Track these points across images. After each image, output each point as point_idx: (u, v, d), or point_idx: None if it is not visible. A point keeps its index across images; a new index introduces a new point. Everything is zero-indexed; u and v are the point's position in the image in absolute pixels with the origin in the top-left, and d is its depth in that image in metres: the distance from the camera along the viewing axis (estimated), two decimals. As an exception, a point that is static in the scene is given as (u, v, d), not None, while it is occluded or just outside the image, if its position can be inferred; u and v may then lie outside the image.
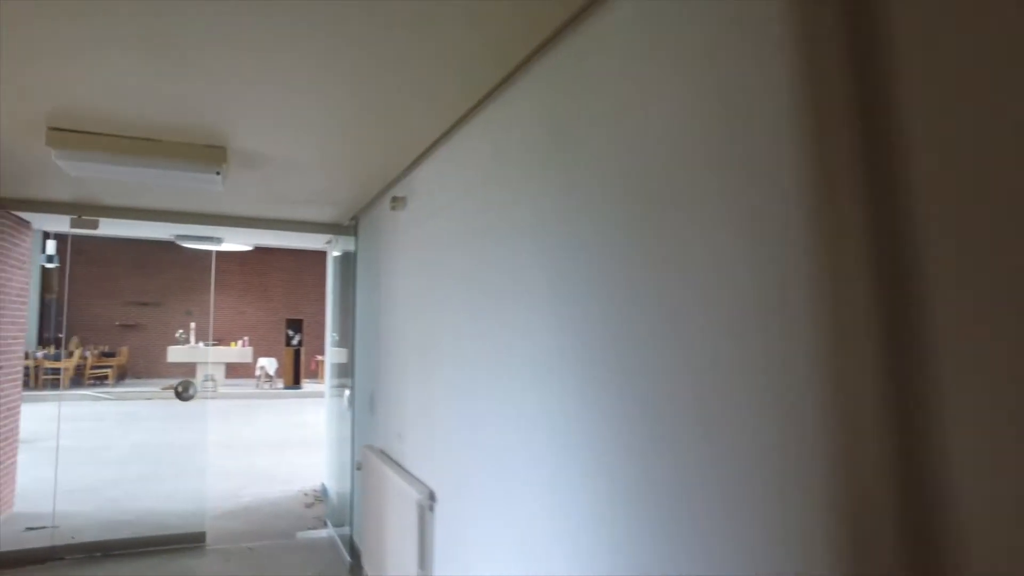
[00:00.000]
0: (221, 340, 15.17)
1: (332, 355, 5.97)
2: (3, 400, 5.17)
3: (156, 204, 4.32)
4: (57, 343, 14.00)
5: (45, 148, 2.96)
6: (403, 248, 3.37)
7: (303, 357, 14.20)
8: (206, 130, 2.71)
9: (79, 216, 4.41)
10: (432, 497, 2.72)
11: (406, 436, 3.17)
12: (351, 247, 4.81)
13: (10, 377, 5.23)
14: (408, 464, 3.11)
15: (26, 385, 12.60)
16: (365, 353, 4.21)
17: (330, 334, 6.02)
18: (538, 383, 1.83)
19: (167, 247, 14.55)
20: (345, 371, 5.24)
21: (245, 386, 13.96)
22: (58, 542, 4.56)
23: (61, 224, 4.87)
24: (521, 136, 2.01)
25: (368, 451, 3.73)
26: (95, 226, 4.45)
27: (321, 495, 5.86)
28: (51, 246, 12.33)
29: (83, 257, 14.57)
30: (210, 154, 2.88)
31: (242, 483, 6.30)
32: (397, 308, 3.44)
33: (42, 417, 10.03)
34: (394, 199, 3.43)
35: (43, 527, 4.91)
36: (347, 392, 4.44)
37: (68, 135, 2.68)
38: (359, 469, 3.88)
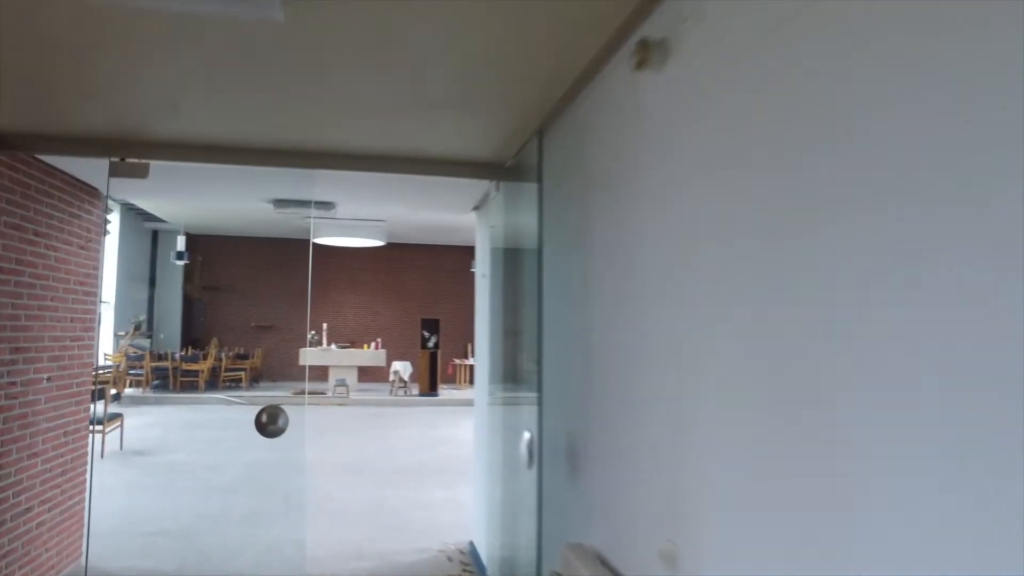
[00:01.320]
0: (353, 342, 14.15)
1: (484, 358, 4.26)
2: (63, 422, 3.89)
3: (223, 135, 2.78)
4: (195, 344, 13.57)
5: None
6: (668, 145, 1.52)
7: (440, 360, 12.81)
8: None
9: (121, 159, 2.96)
10: None
11: (695, 553, 1.31)
12: (520, 205, 3.04)
13: (69, 392, 3.94)
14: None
15: (165, 388, 12.13)
16: (558, 368, 2.40)
17: (481, 334, 4.30)
18: None
19: (301, 245, 13.75)
20: (505, 376, 3.50)
21: (378, 391, 12.80)
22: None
23: (101, 172, 3.47)
24: None
25: (574, 558, 1.92)
26: (144, 173, 2.98)
27: (470, 562, 4.17)
28: (181, 242, 11.74)
29: (216, 256, 14.12)
30: None
31: (367, 533, 4.74)
32: (654, 272, 1.60)
33: (173, 424, 9.22)
34: (641, 45, 1.59)
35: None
36: (526, 435, 2.61)
37: None
38: (555, 587, 2.08)
